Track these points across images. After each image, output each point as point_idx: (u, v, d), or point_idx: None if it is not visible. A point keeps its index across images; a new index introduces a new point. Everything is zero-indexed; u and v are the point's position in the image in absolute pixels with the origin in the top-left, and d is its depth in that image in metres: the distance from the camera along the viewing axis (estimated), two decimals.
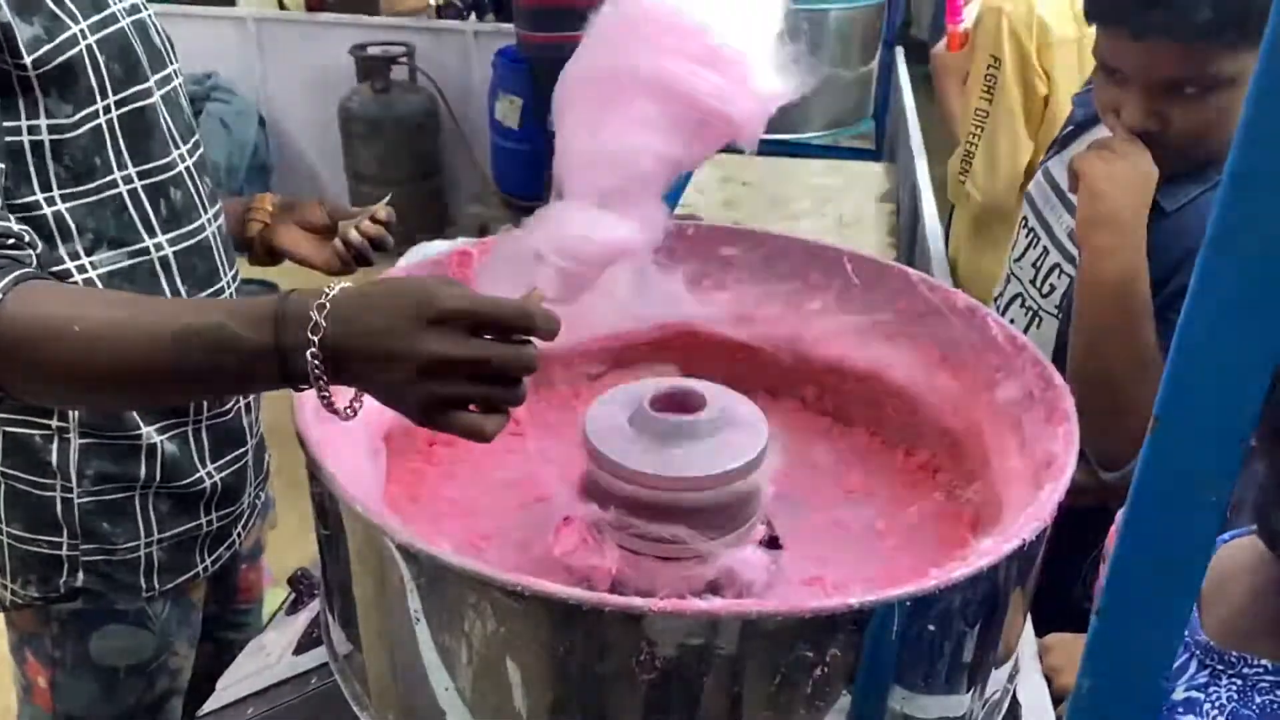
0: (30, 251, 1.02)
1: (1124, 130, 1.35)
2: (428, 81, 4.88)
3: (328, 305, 0.81)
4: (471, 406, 0.82)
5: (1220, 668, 0.97)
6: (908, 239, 2.57)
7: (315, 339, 0.81)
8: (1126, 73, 1.35)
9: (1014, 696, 1.02)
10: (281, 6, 5.32)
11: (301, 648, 1.20)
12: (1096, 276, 1.34)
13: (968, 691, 0.90)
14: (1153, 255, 1.33)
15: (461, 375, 0.81)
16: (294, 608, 1.31)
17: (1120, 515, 0.60)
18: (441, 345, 0.79)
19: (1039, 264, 1.62)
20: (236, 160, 4.87)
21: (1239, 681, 0.95)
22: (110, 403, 1.18)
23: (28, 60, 1.07)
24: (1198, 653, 0.99)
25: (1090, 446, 0.93)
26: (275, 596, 1.46)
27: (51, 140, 1.12)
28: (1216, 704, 0.95)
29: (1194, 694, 0.97)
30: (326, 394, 0.84)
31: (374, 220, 1.42)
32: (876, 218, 2.68)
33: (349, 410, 0.87)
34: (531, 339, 0.83)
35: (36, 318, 0.88)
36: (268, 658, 1.23)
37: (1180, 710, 0.96)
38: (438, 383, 0.80)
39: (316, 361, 0.81)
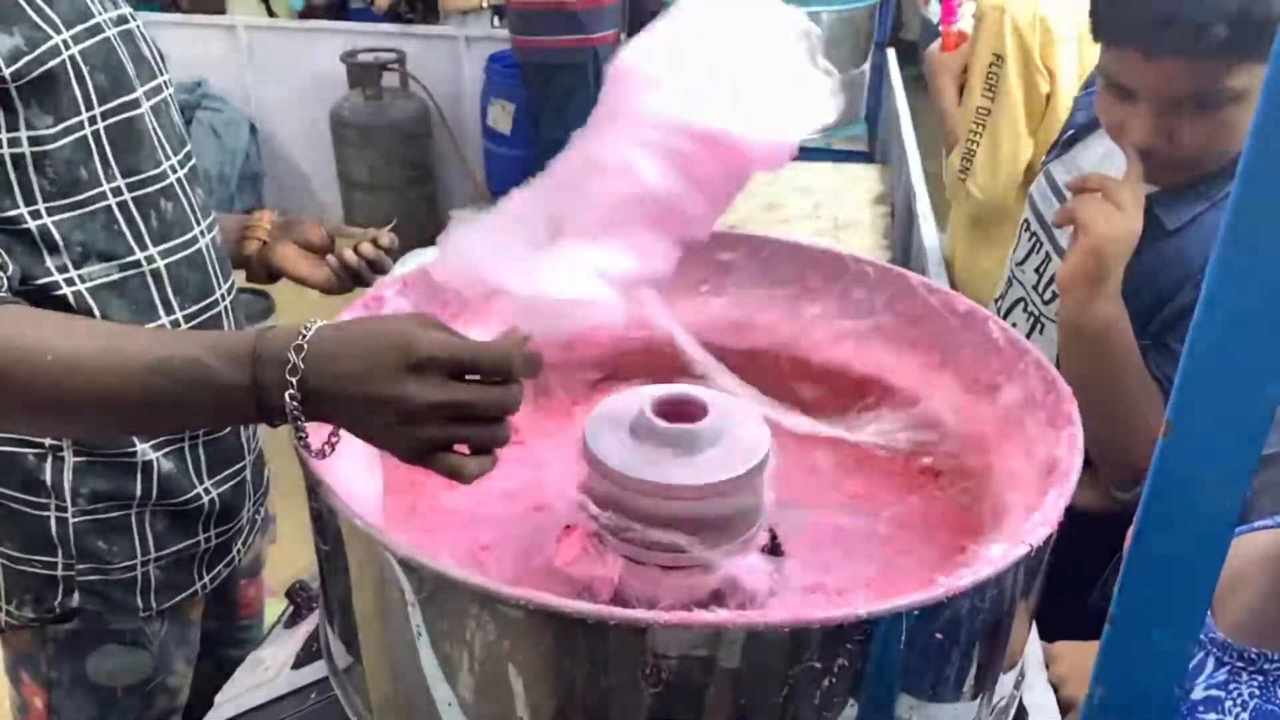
0: (2, 275, 1.00)
1: (1135, 166, 1.33)
2: (419, 87, 4.87)
3: (305, 347, 0.81)
4: (457, 447, 0.82)
5: (1240, 665, 0.96)
6: (902, 241, 2.57)
7: (293, 380, 0.81)
8: (1137, 91, 1.33)
9: (1020, 703, 1.01)
10: (271, 14, 5.31)
11: (300, 661, 1.19)
12: (1079, 326, 1.34)
13: (975, 699, 0.89)
14: (1153, 275, 1.32)
15: (443, 420, 0.80)
16: (292, 621, 1.30)
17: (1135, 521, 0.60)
18: (421, 392, 0.79)
19: (1041, 270, 1.61)
20: (228, 169, 4.85)
21: (1260, 677, 0.95)
22: (84, 433, 1.17)
23: (6, 73, 1.05)
24: (1214, 650, 0.98)
25: (1100, 467, 0.92)
26: (273, 608, 1.45)
27: (32, 152, 1.10)
28: (1239, 701, 0.95)
29: (1214, 692, 0.96)
30: (304, 434, 0.84)
31: (375, 244, 1.42)
32: (870, 220, 2.68)
33: (326, 448, 0.87)
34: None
35: (7, 346, 0.87)
36: (266, 672, 1.22)
37: (1201, 709, 0.96)
38: (420, 427, 0.80)
39: (295, 403, 0.81)
